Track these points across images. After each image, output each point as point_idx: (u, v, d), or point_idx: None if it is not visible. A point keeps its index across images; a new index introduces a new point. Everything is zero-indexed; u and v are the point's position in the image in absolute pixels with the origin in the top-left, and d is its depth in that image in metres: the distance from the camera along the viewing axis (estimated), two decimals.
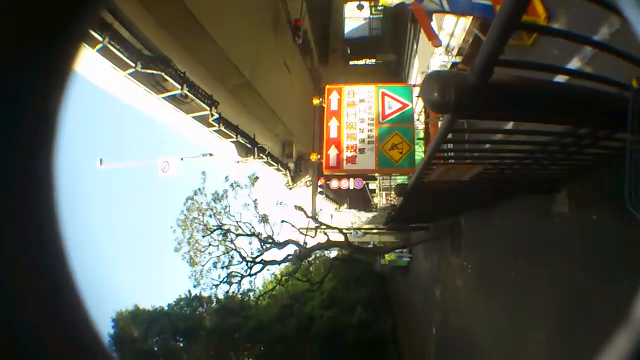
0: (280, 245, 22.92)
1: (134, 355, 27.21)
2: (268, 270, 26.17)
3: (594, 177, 6.71)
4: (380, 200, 37.31)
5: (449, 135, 4.94)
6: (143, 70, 16.56)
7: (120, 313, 31.04)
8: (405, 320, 29.53)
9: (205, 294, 30.04)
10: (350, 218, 34.33)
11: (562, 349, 7.94)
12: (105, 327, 29.54)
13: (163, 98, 19.05)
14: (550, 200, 8.21)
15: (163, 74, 17.25)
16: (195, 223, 25.65)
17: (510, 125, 6.88)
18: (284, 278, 29.88)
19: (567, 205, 7.79)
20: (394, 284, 38.09)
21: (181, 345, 29.22)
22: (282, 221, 23.53)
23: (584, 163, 6.03)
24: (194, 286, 27.07)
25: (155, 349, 28.23)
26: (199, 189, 25.72)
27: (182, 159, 29.34)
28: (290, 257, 23.30)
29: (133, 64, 16.03)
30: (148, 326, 28.94)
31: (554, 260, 8.34)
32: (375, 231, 32.34)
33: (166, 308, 30.96)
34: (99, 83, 17.23)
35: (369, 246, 30.57)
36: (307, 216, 24.31)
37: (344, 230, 22.79)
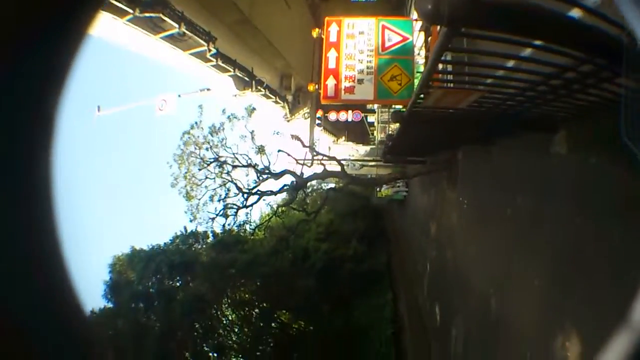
0: (277, 175, 22.86)
1: (130, 298, 27.24)
2: (264, 200, 26.23)
3: (594, 120, 6.63)
4: (378, 134, 37.20)
5: (448, 57, 4.87)
6: (141, 15, 16.50)
7: (117, 257, 31.09)
8: (400, 255, 29.90)
9: (201, 228, 30.22)
10: (347, 151, 34.33)
11: (556, 291, 8.03)
12: (101, 275, 29.66)
13: (161, 38, 18.99)
14: (548, 140, 8.14)
15: (161, 15, 17.17)
16: (192, 157, 25.60)
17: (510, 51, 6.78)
18: (280, 209, 30.03)
19: (565, 147, 7.73)
20: (390, 219, 38.44)
21: (178, 283, 29.19)
22: (279, 151, 23.43)
23: (585, 104, 5.95)
24: (190, 221, 27.19)
25: (152, 290, 28.16)
26: (196, 123, 25.48)
27: (179, 95, 29.28)
28: (286, 188, 23.31)
29: (132, 11, 15.98)
30: (144, 266, 28.87)
31: (552, 202, 8.34)
32: (372, 164, 32.41)
33: (162, 246, 31.02)
34: (95, 32, 17.16)
35: (367, 177, 30.77)
36: (304, 146, 24.23)
37: (341, 161, 22.75)
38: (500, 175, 12.04)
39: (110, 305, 28.32)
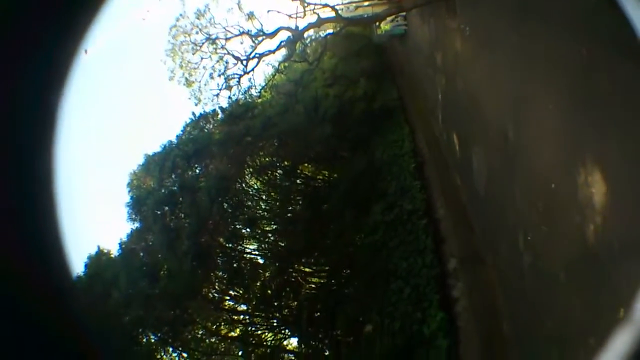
0: (272, 35, 22.51)
1: (155, 207, 27.05)
2: (264, 62, 25.95)
3: None
4: None
5: None
6: None
7: (132, 174, 30.31)
8: (411, 88, 29.77)
9: (208, 108, 29.86)
10: None
11: (571, 117, 8.11)
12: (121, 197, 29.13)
13: None
14: None
15: None
16: (184, 46, 25.13)
17: None
18: (281, 65, 29.68)
19: None
20: (394, 54, 37.84)
21: (198, 171, 28.97)
22: (268, 11, 22.91)
23: None
24: (196, 105, 27.03)
25: (174, 189, 27.88)
26: (180, 15, 24.75)
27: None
28: (283, 44, 23.02)
29: None
30: (161, 167, 28.57)
31: (554, 31, 8.23)
32: (366, 3, 31.59)
33: (175, 140, 30.40)
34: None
35: (363, 17, 30.06)
36: (293, 0, 23.63)
37: (335, 6, 22.27)
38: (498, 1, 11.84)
39: (136, 225, 28.00)
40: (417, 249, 19.02)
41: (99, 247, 25.96)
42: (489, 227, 14.40)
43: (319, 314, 25.03)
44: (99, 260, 25.51)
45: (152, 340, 24.06)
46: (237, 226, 28.50)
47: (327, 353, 24.80)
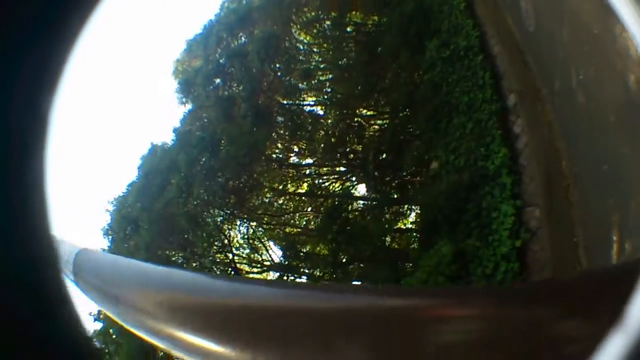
0: None
1: (205, 83, 27.14)
2: None
3: None
4: None
5: None
6: None
7: (175, 61, 30.69)
8: None
9: None
10: None
11: None
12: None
13: None
14: None
15: None
16: None
17: None
18: None
19: None
20: None
21: (243, 40, 28.61)
22: None
23: None
24: None
25: (222, 61, 27.84)
26: None
27: None
28: None
29: None
30: (205, 44, 28.60)
31: None
32: None
33: (214, 18, 29.92)
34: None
35: None
36: None
37: None
38: None
39: (188, 107, 28.33)
40: (476, 84, 19.17)
41: (152, 143, 26.86)
42: (543, 64, 14.68)
43: (384, 155, 25.70)
44: (153, 155, 26.29)
45: (218, 219, 24.44)
46: (293, 81, 28.40)
47: (395, 196, 25.51)
